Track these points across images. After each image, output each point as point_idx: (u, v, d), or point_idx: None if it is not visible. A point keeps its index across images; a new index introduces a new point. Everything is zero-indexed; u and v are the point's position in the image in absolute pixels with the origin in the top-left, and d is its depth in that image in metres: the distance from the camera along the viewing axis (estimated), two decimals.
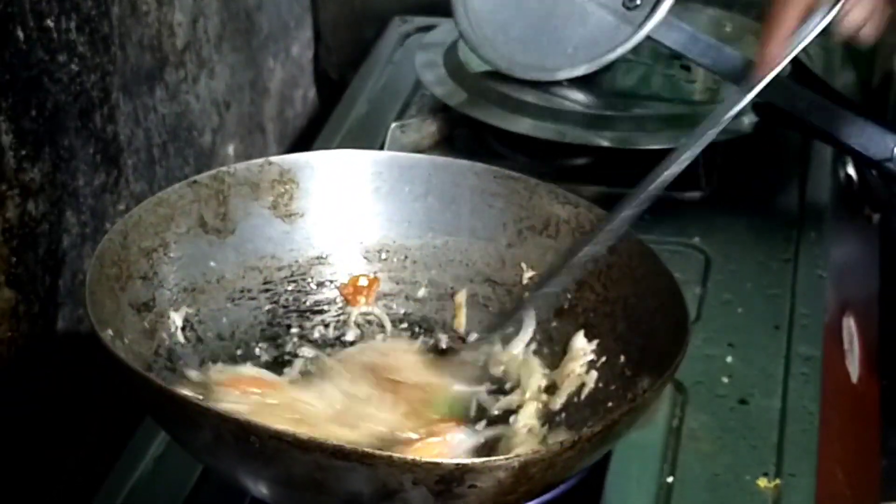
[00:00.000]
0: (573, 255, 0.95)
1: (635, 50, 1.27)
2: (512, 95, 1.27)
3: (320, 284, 1.01)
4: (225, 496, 0.90)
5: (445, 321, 1.01)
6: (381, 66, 1.51)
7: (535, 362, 0.96)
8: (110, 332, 0.85)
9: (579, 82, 1.28)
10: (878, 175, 1.21)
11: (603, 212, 0.97)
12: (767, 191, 1.28)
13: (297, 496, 0.81)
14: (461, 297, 1.01)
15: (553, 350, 0.97)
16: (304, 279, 1.00)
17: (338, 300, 1.01)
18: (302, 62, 1.66)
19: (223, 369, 0.93)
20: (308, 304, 1.00)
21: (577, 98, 1.28)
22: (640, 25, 1.24)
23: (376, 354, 0.96)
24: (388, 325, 1.01)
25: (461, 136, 1.32)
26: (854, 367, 1.16)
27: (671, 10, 1.23)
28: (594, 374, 0.94)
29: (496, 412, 0.94)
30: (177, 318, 0.93)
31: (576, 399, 0.93)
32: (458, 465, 0.76)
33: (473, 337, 0.99)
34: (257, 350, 0.98)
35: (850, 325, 1.19)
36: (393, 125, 1.31)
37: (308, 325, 1.00)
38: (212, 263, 0.96)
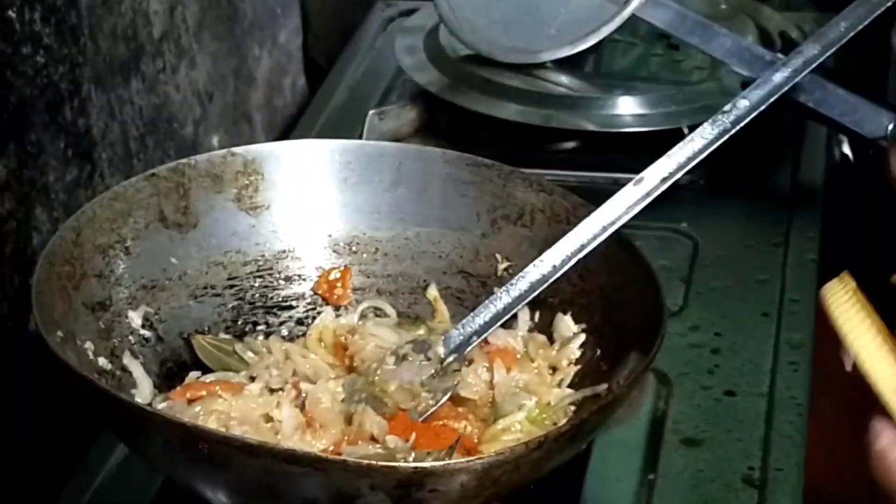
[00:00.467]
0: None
1: (621, 29, 1.24)
2: (494, 80, 1.25)
3: (288, 279, 0.98)
4: None
5: (419, 315, 0.98)
6: (362, 52, 1.50)
7: (542, 339, 0.93)
8: (60, 333, 0.83)
9: (564, 64, 1.26)
10: (873, 154, 1.18)
11: (579, 199, 0.94)
12: (758, 173, 1.25)
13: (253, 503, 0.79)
14: (433, 291, 0.98)
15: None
16: (270, 274, 0.98)
17: (307, 295, 0.98)
18: (290, 49, 1.64)
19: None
20: (275, 299, 0.98)
21: (562, 81, 1.26)
22: (626, 3, 1.21)
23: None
24: (393, 315, 0.98)
25: (442, 122, 1.30)
26: (849, 356, 1.13)
27: None
28: (572, 368, 0.91)
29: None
30: (135, 317, 0.91)
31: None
32: (416, 468, 0.74)
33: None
34: None
35: None
36: (371, 112, 1.28)
37: (275, 321, 0.98)
38: (173, 259, 0.94)
